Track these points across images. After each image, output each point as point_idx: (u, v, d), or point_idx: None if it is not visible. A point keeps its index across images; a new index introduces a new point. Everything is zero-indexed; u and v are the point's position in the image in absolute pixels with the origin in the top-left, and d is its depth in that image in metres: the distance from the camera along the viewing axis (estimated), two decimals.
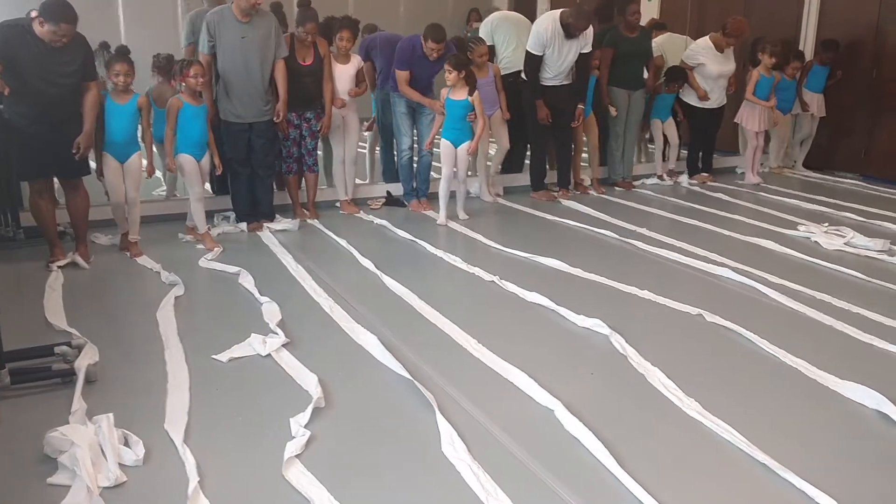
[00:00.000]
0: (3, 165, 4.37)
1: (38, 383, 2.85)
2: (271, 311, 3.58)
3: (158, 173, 5.16)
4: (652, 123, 6.73)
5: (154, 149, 4.92)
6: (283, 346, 3.19)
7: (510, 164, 6.44)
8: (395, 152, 5.96)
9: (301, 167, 5.39)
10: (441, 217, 5.42)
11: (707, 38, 6.55)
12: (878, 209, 5.70)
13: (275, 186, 5.44)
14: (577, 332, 3.40)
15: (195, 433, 2.51)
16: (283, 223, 5.22)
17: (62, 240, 4.52)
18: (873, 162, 7.06)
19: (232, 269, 4.26)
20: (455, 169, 5.42)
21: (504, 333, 3.36)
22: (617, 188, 6.55)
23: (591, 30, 5.73)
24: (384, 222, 5.36)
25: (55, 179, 4.54)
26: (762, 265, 4.30)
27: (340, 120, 5.44)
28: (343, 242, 4.83)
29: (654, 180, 6.79)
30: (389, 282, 4.05)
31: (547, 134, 6.04)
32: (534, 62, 5.74)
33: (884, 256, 4.51)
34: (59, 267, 4.25)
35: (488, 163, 6.21)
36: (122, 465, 2.28)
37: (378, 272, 4.21)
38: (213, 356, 3.10)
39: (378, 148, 6.30)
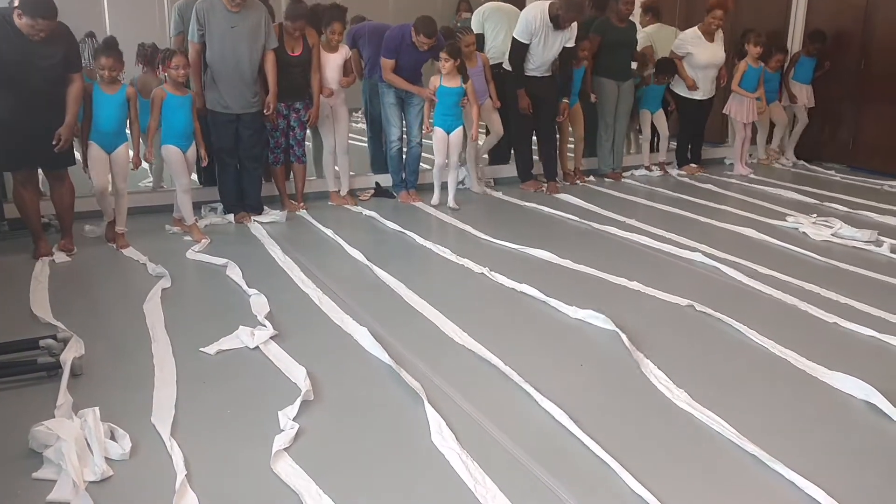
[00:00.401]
0: None
1: (23, 377, 2.82)
2: (259, 303, 3.56)
3: (145, 164, 5.12)
4: (641, 114, 6.72)
5: (141, 140, 4.88)
6: (272, 338, 3.17)
7: (497, 155, 6.42)
8: (384, 143, 5.94)
9: (289, 158, 5.36)
10: (435, 198, 5.59)
11: (695, 27, 6.55)
12: (865, 200, 5.72)
13: (263, 178, 5.41)
14: (566, 323, 3.40)
15: (182, 427, 2.49)
16: (271, 214, 5.19)
17: (46, 231, 4.48)
18: (860, 153, 7.09)
19: (219, 260, 4.23)
20: (447, 159, 5.50)
21: (493, 324, 3.36)
22: (606, 179, 6.55)
23: (575, 24, 5.72)
24: (373, 213, 5.34)
25: (40, 171, 4.49)
26: (750, 256, 4.31)
27: (329, 110, 5.41)
28: (331, 234, 4.81)
29: (643, 171, 6.79)
30: (378, 273, 4.04)
31: (530, 126, 6.03)
32: (520, 50, 5.72)
33: (871, 247, 4.53)
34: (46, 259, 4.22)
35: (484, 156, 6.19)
36: (108, 460, 2.26)
37: (367, 263, 4.20)
38: (201, 349, 3.08)
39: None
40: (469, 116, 5.58)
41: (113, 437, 2.37)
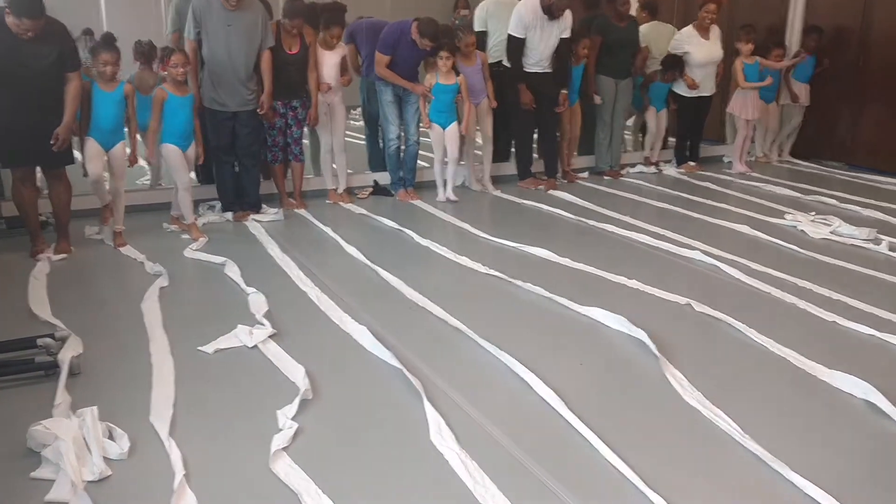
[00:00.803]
0: None
1: (21, 376, 2.81)
2: (258, 301, 3.56)
3: (142, 161, 5.10)
4: (647, 112, 6.71)
5: (138, 137, 4.86)
6: (270, 336, 3.16)
7: (496, 153, 6.41)
8: (382, 141, 5.93)
9: (287, 156, 5.35)
10: (440, 194, 5.69)
11: (690, 25, 6.54)
12: (863, 198, 5.72)
13: (261, 176, 5.40)
14: (566, 321, 3.39)
15: (181, 426, 2.49)
16: (269, 213, 5.18)
17: (44, 230, 4.47)
18: (859, 150, 7.08)
19: (217, 259, 4.22)
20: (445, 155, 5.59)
21: (492, 322, 3.35)
22: (605, 177, 6.54)
23: (570, 14, 5.72)
24: (371, 212, 5.33)
25: (38, 169, 4.47)
26: (749, 254, 4.31)
27: (326, 108, 5.40)
28: (330, 232, 4.80)
29: (640, 168, 6.78)
30: (377, 271, 4.03)
31: (531, 122, 6.02)
32: (516, 45, 5.72)
33: (869, 245, 4.53)
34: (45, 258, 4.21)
35: (476, 151, 6.18)
36: (106, 459, 2.26)
37: (365, 261, 4.19)
38: (199, 348, 3.07)
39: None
40: (461, 112, 5.63)
41: (111, 437, 2.37)
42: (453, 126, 5.60)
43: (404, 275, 3.94)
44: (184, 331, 3.26)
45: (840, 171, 6.88)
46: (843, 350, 3.11)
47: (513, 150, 6.41)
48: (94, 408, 2.42)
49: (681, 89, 6.60)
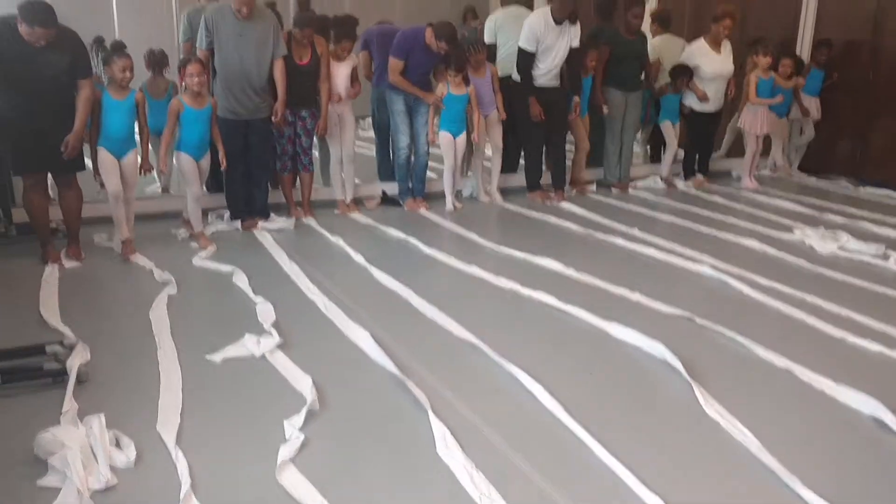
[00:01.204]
0: None
1: (29, 383, 2.82)
2: (265, 310, 3.56)
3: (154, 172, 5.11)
4: (662, 125, 6.70)
5: (151, 146, 4.88)
6: (278, 346, 3.17)
7: (505, 164, 6.41)
8: (391, 151, 5.94)
9: (296, 166, 5.37)
10: (448, 203, 5.74)
11: (701, 38, 6.53)
12: (872, 213, 5.70)
13: (269, 185, 5.41)
14: (574, 332, 3.39)
15: (188, 435, 2.49)
16: (277, 222, 5.19)
17: (54, 237, 4.48)
18: (868, 165, 7.05)
19: (226, 268, 4.24)
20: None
21: (499, 333, 3.34)
22: (613, 189, 6.53)
23: (578, 25, 5.74)
24: (379, 222, 5.34)
25: (49, 176, 4.50)
26: (757, 268, 4.30)
27: (336, 118, 5.42)
28: (338, 241, 4.81)
29: (649, 182, 6.75)
30: (385, 281, 4.04)
31: (540, 134, 6.03)
32: (526, 59, 5.74)
33: (878, 261, 4.51)
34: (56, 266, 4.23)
35: (485, 163, 6.18)
36: (113, 468, 2.26)
37: (373, 271, 4.19)
38: (207, 356, 3.08)
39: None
40: (472, 121, 5.68)
41: (118, 445, 2.37)
42: (463, 136, 5.67)
43: (412, 285, 3.94)
44: (192, 339, 3.27)
45: (848, 186, 6.84)
46: (849, 365, 3.10)
47: (522, 161, 6.42)
48: (102, 415, 2.42)
49: (692, 103, 6.57)
